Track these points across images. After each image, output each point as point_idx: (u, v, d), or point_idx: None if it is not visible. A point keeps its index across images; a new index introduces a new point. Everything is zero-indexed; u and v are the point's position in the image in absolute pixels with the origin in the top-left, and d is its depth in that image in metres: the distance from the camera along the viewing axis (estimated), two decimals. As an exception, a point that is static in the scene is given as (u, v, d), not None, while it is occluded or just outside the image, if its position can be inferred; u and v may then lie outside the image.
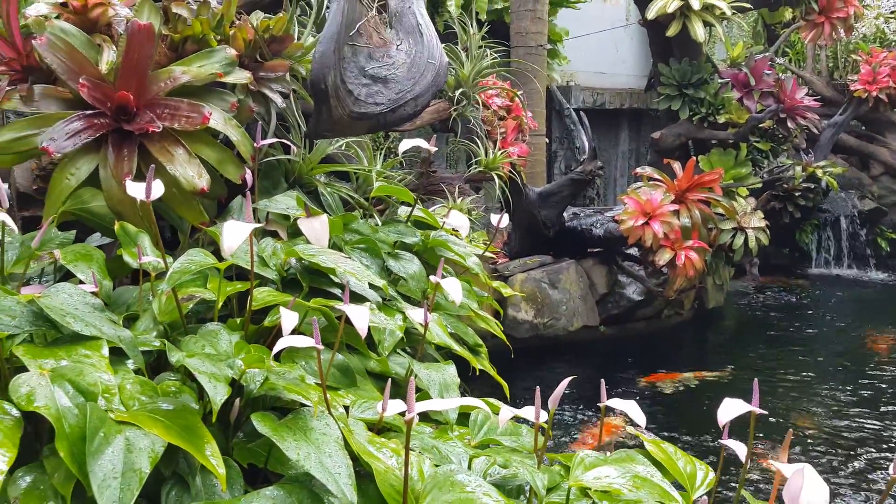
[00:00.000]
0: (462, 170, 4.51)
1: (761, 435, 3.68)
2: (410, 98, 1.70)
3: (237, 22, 1.86)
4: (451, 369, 1.63)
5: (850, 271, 7.37)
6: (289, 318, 1.34)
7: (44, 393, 1.05)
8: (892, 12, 7.89)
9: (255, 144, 1.76)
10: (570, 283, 5.07)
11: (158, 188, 1.27)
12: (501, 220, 2.33)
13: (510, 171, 4.13)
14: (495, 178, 3.79)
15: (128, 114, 1.63)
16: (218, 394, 1.10)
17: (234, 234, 1.21)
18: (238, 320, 1.45)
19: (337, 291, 1.68)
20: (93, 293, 1.37)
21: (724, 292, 5.98)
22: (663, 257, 4.56)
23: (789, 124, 5.53)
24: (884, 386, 4.40)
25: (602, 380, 1.31)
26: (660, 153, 5.86)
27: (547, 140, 6.22)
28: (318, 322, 1.47)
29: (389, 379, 1.32)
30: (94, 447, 1.00)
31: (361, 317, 1.26)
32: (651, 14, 5.25)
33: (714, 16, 5.26)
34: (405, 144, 1.88)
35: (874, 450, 3.50)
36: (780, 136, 5.69)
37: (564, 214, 5.22)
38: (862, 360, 4.96)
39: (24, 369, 1.12)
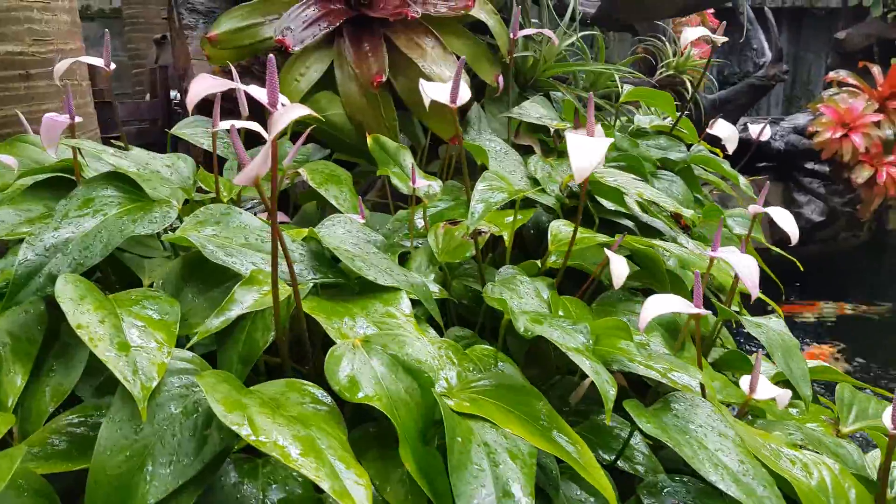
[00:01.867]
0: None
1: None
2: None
3: None
4: (780, 324, 1.27)
5: None
6: (620, 266, 1.01)
7: (367, 374, 0.76)
8: None
9: (511, 36, 1.38)
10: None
11: (466, 91, 0.93)
12: (764, 132, 1.91)
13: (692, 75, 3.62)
14: (687, 82, 3.31)
15: (368, -3, 1.29)
16: (609, 389, 0.77)
17: (587, 152, 0.86)
18: (537, 262, 1.12)
19: (626, 223, 1.33)
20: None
21: (903, 212, 5.31)
22: (862, 174, 3.98)
23: None
24: None
25: None
26: (843, 56, 5.11)
27: (704, 41, 5.55)
28: (628, 264, 1.12)
29: (759, 346, 0.98)
30: (455, 460, 0.71)
31: (751, 270, 0.90)
32: None
33: None
34: (693, 33, 1.47)
35: None
36: None
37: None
38: None
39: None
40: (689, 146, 1.80)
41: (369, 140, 1.21)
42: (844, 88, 4.28)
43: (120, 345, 0.76)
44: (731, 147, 1.81)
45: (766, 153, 4.66)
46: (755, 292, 0.90)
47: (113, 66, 1.13)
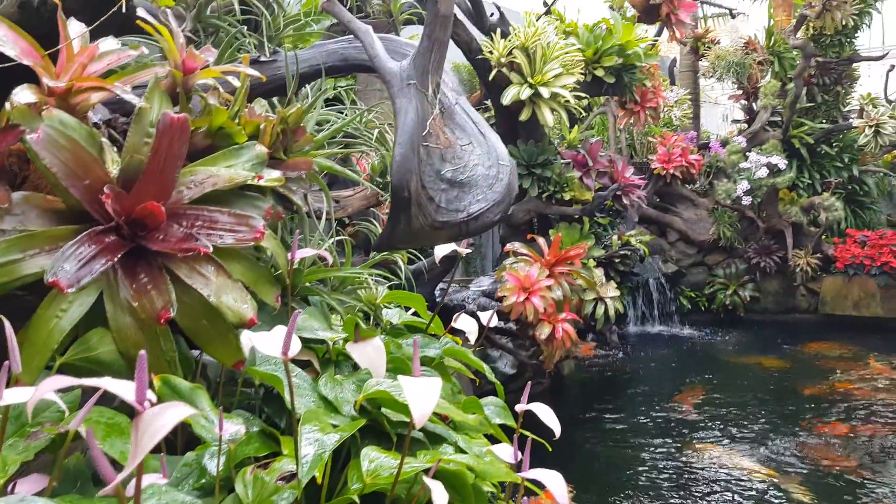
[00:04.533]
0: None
1: None
2: (493, 203, 1.50)
3: (244, 112, 1.54)
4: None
5: (661, 328, 8.10)
6: (441, 495, 1.08)
7: None
8: (675, 102, 9.04)
9: (290, 257, 1.45)
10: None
11: (297, 343, 0.96)
12: (491, 319, 2.20)
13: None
14: (399, 261, 3.62)
15: (146, 228, 1.26)
16: None
17: (424, 398, 0.94)
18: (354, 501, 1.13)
19: (416, 434, 1.40)
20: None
21: (572, 358, 6.23)
22: (543, 331, 4.62)
23: (624, 200, 6.00)
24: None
25: None
26: (511, 227, 6.04)
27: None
28: (438, 488, 1.20)
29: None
30: None
31: (559, 486, 1.03)
32: (506, 101, 5.46)
33: (559, 103, 5.59)
34: (442, 250, 1.67)
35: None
36: (616, 210, 6.14)
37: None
38: (675, 416, 5.36)
39: None
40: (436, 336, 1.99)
41: (157, 382, 1.13)
42: (520, 257, 5.02)
43: None
44: (472, 339, 2.03)
45: (462, 315, 5.18)
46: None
47: None
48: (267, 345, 0.93)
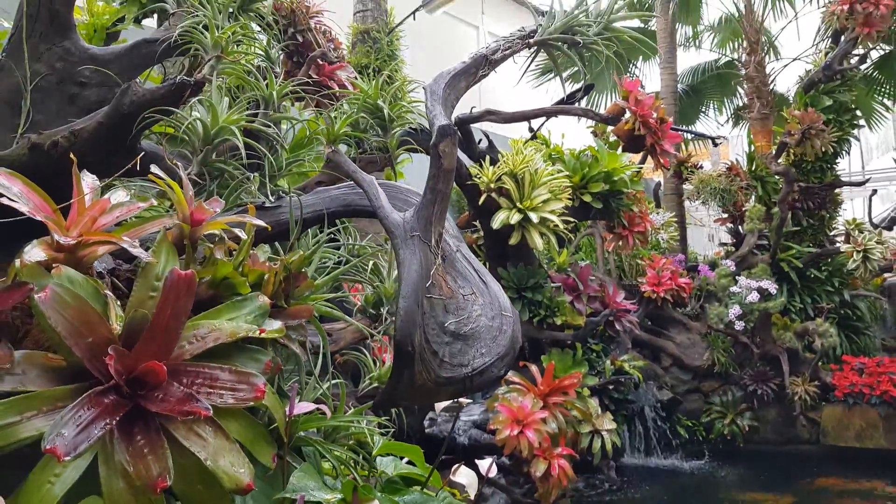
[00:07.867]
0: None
1: None
2: (497, 357, 1.48)
3: (248, 260, 1.55)
4: None
5: (659, 460, 7.84)
6: None
7: None
8: (661, 225, 9.25)
9: (288, 412, 1.41)
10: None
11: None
12: (491, 469, 2.13)
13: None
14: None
15: (145, 387, 1.23)
16: None
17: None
18: None
19: None
20: None
21: (568, 497, 6.00)
22: (539, 468, 4.46)
23: (617, 326, 5.99)
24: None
25: None
26: (503, 354, 5.98)
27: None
28: None
29: None
30: None
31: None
32: (496, 225, 5.55)
33: (548, 228, 5.70)
34: (444, 402, 1.63)
35: None
36: (608, 336, 6.13)
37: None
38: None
39: None
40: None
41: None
42: (512, 386, 4.94)
43: None
44: (472, 493, 1.95)
45: (451, 447, 5.02)
46: None
47: None
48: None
